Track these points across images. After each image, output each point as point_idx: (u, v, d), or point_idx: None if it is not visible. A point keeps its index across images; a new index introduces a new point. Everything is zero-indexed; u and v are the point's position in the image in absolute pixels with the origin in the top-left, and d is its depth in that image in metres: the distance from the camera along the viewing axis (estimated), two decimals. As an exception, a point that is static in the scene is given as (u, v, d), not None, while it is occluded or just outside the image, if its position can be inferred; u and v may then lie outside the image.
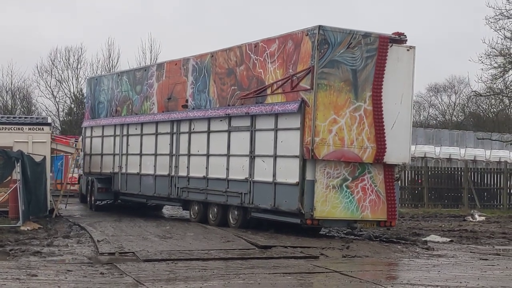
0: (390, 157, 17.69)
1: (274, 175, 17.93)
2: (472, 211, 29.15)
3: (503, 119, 55.48)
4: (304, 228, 17.72)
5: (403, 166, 18.56)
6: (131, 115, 24.54)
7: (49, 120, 26.41)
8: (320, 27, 16.92)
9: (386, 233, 19.65)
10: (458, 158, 43.26)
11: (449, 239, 19.05)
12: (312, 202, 17.04)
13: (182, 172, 21.56)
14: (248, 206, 18.83)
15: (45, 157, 21.96)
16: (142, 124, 23.87)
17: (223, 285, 11.13)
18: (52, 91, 56.31)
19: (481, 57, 30.96)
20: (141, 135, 23.94)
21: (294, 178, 17.25)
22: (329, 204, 17.22)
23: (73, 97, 56.10)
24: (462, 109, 65.32)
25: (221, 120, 20.00)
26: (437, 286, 11.39)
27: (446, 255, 15.68)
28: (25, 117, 26.46)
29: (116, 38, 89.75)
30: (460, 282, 11.71)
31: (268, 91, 18.36)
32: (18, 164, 19.93)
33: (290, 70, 17.61)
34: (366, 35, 17.39)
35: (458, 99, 66.55)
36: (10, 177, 20.58)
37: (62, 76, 56.19)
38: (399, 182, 19.55)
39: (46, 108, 56.48)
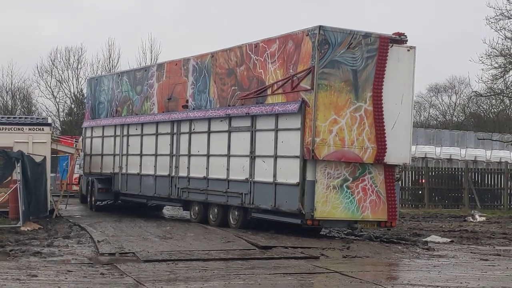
0: (391, 158, 17.68)
1: (274, 176, 17.92)
2: (472, 212, 29.14)
3: (504, 120, 55.45)
4: (304, 228, 17.71)
5: (404, 166, 18.52)
6: (132, 115, 24.54)
7: (49, 121, 26.40)
8: (320, 27, 16.91)
9: (387, 233, 19.64)
10: (458, 158, 43.25)
11: (450, 240, 19.04)
12: (313, 202, 17.03)
13: (183, 173, 21.56)
14: (248, 206, 18.82)
15: (45, 157, 21.97)
16: (142, 124, 23.86)
17: (224, 286, 11.12)
18: (52, 92, 56.35)
19: (482, 57, 30.97)
20: (142, 135, 23.93)
21: (295, 179, 17.23)
22: (330, 204, 17.21)
23: (73, 97, 56.09)
24: (462, 110, 65.31)
25: (221, 121, 19.99)
26: (438, 286, 11.38)
27: (446, 256, 15.66)
28: (25, 118, 26.45)
29: (116, 38, 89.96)
30: (461, 283, 11.70)
31: (269, 91, 18.35)
32: (18, 165, 19.92)
33: (291, 71, 17.60)
34: (367, 35, 17.38)
35: (458, 99, 66.61)
36: (10, 178, 20.57)
37: (62, 76, 56.22)
38: (400, 182, 19.48)
39: (46, 108, 56.55)
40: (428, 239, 18.79)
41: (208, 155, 20.47)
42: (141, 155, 23.83)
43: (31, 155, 21.22)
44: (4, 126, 22.77)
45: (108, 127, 26.12)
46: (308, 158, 17.00)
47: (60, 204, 24.84)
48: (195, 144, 21.10)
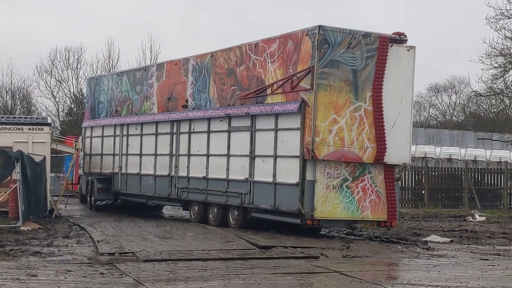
0: (391, 157, 17.68)
1: (274, 175, 17.92)
2: (472, 211, 29.13)
3: (504, 119, 55.44)
4: (304, 228, 17.70)
5: (404, 166, 18.52)
6: (131, 115, 24.53)
7: (49, 120, 26.39)
8: (320, 27, 16.90)
9: (387, 233, 19.64)
10: (458, 158, 43.24)
11: (450, 239, 19.03)
12: (312, 202, 17.02)
13: (182, 172, 21.55)
14: (248, 206, 18.81)
15: (45, 157, 21.97)
16: (142, 124, 23.86)
17: (223, 285, 11.11)
18: (52, 91, 56.35)
19: (482, 57, 30.97)
20: (141, 135, 23.93)
21: (294, 178, 17.23)
22: (329, 204, 17.20)
23: (73, 97, 56.08)
24: (462, 109, 65.31)
25: (221, 120, 19.98)
26: (438, 286, 11.37)
27: (446, 255, 15.66)
28: (25, 117, 26.45)
29: (116, 38, 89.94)
30: (461, 282, 11.69)
31: (268, 91, 18.34)
32: (18, 164, 19.92)
33: (290, 70, 17.59)
34: (366, 35, 17.37)
35: (458, 99, 66.62)
36: (10, 177, 20.56)
37: (62, 76, 56.22)
38: (400, 182, 19.49)
39: (46, 108, 56.55)
40: (428, 238, 18.79)
41: (207, 155, 20.47)
42: (140, 155, 23.83)
43: (30, 155, 21.21)
44: (3, 126, 22.77)
45: (107, 127, 26.12)
46: (307, 158, 16.99)
47: (59, 204, 24.83)
48: (195, 144, 21.09)
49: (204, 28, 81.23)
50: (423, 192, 33.24)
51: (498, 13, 30.14)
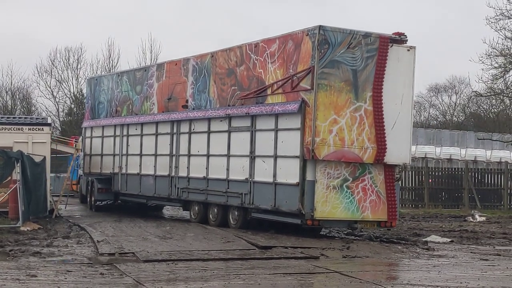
0: (391, 158, 17.67)
1: (274, 176, 17.91)
2: (472, 212, 29.12)
3: (504, 119, 55.45)
4: (304, 228, 17.69)
5: (404, 166, 18.51)
6: (131, 115, 24.53)
7: (49, 121, 26.42)
8: (320, 27, 16.90)
9: (387, 233, 19.63)
10: (458, 158, 43.26)
11: (450, 240, 19.02)
12: (313, 202, 17.01)
13: (182, 173, 21.55)
14: (248, 206, 18.80)
15: (45, 157, 21.97)
16: (142, 124, 23.85)
17: (223, 286, 11.11)
18: (52, 92, 56.35)
19: (482, 57, 30.95)
20: (141, 135, 23.92)
21: (295, 179, 17.22)
22: (330, 204, 17.20)
23: (73, 97, 56.08)
24: (462, 109, 65.31)
25: (221, 121, 19.98)
26: (438, 286, 11.37)
27: (446, 256, 15.65)
28: (25, 118, 26.46)
29: (116, 38, 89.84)
30: (461, 283, 11.69)
31: (268, 91, 18.34)
32: (18, 165, 19.91)
33: (291, 70, 17.58)
34: (367, 35, 17.37)
35: (458, 99, 66.62)
36: (10, 178, 20.55)
37: (62, 76, 56.21)
38: (400, 182, 19.47)
39: (46, 108, 56.55)
40: (428, 239, 18.79)
41: (208, 155, 20.46)
42: (141, 155, 23.82)
43: (30, 155, 21.21)
44: (4, 126, 22.78)
45: (107, 127, 26.11)
46: (308, 158, 16.99)
47: (59, 204, 24.83)
48: (195, 144, 21.08)
49: (204, 28, 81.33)
50: (426, 193, 33.23)
51: (498, 13, 30.17)
